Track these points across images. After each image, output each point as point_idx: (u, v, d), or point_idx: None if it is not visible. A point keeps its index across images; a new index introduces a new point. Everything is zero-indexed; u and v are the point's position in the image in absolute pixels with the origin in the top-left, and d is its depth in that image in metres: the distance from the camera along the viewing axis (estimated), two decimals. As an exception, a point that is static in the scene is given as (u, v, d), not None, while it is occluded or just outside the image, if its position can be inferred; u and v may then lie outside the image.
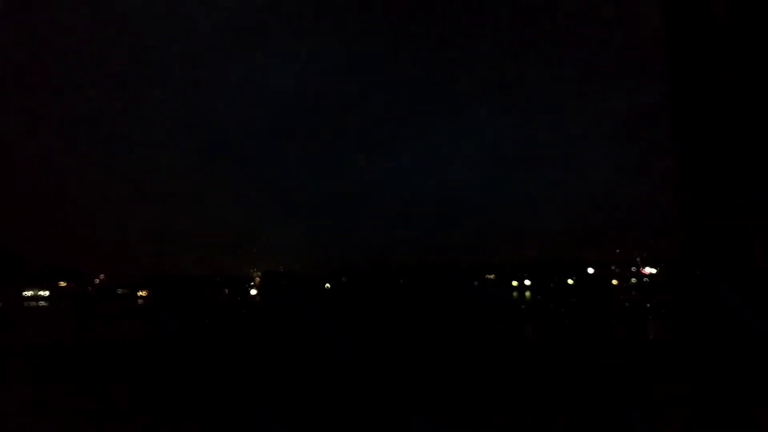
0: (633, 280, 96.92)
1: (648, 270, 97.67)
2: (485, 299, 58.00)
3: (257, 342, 20.86)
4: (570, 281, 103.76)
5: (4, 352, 18.44)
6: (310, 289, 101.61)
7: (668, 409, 7.11)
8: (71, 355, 16.64)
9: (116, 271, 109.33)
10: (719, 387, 3.65)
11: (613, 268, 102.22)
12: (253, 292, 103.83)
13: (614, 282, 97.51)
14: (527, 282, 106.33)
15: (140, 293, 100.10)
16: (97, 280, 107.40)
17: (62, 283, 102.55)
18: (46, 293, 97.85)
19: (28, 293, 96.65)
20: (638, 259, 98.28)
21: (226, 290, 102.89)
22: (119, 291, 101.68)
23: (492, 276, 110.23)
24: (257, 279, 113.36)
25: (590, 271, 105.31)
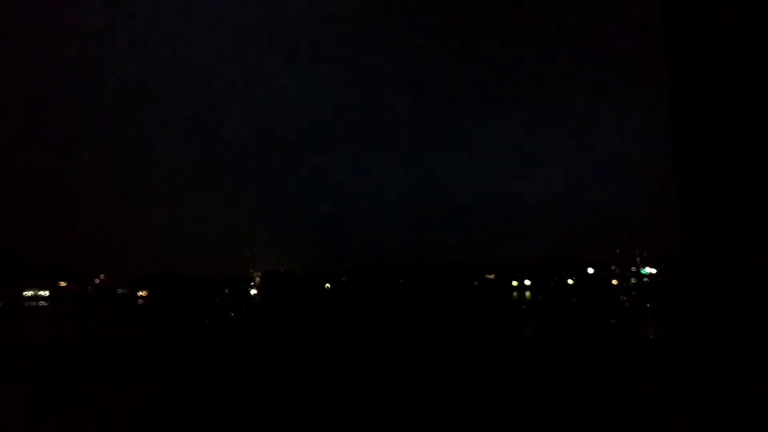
0: (633, 280, 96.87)
1: (648, 270, 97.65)
2: (485, 299, 57.96)
3: (257, 342, 20.84)
4: (570, 281, 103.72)
5: (4, 352, 18.43)
6: (310, 289, 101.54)
7: (668, 409, 7.11)
8: (71, 356, 16.62)
9: (116, 271, 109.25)
10: (719, 386, 3.64)
11: (613, 268, 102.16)
12: (253, 292, 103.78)
13: (614, 282, 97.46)
14: (527, 282, 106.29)
15: (140, 293, 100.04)
16: (97, 280, 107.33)
17: (62, 283, 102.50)
18: (46, 293, 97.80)
19: (28, 293, 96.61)
20: (638, 260, 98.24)
21: (226, 290, 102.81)
22: (119, 291, 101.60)
23: (492, 276, 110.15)
24: (257, 279, 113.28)
25: (590, 271, 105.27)
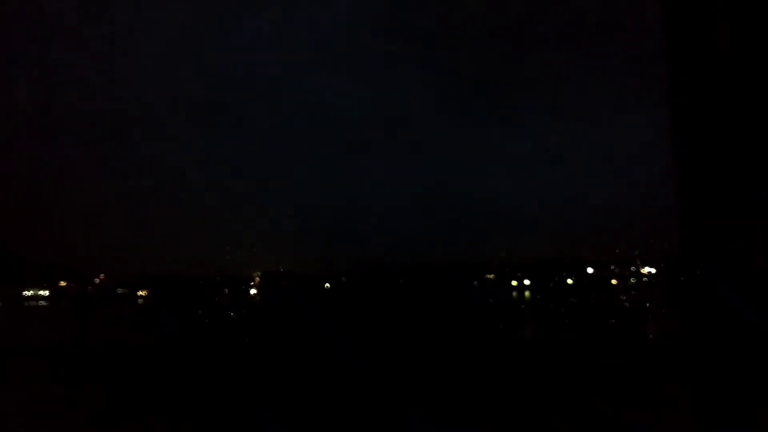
0: (633, 280, 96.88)
1: (648, 269, 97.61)
2: (485, 299, 58.03)
3: (257, 342, 20.86)
4: (570, 281, 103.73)
5: (4, 352, 18.43)
6: (309, 289, 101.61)
7: (668, 409, 7.12)
8: (71, 356, 16.64)
9: (116, 271, 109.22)
10: (719, 387, 3.64)
11: (612, 267, 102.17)
12: (253, 292, 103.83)
13: (614, 282, 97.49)
14: (527, 282, 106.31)
15: (140, 293, 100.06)
16: (97, 280, 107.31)
17: (62, 283, 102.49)
18: (46, 293, 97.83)
19: (28, 293, 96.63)
20: (638, 260, 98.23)
21: (226, 290, 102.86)
22: (119, 291, 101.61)
23: (492, 276, 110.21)
24: (257, 279, 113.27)
25: (590, 271, 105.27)
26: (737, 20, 3.71)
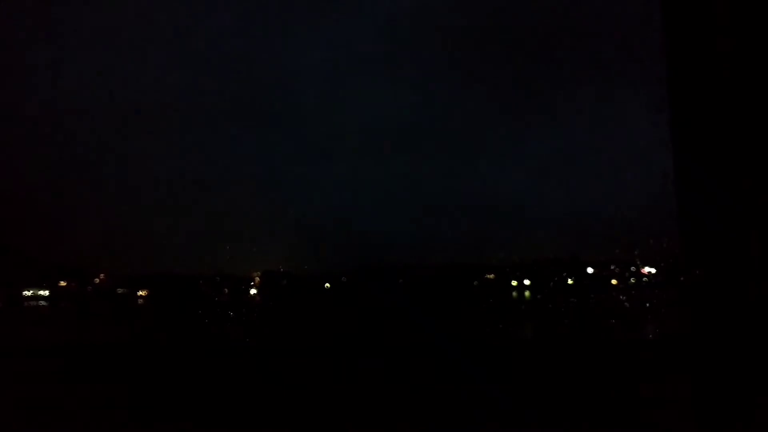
0: (632, 279, 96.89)
1: (648, 269, 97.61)
2: (485, 299, 58.05)
3: (257, 342, 20.88)
4: (570, 281, 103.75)
5: (3, 352, 18.45)
6: (309, 288, 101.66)
7: (668, 409, 7.12)
8: (71, 356, 16.65)
9: (116, 271, 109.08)
10: (719, 388, 3.65)
11: (612, 267, 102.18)
12: (253, 291, 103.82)
13: (614, 282, 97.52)
14: (527, 282, 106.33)
15: (140, 293, 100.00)
16: (97, 280, 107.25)
17: (62, 283, 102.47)
18: (46, 293, 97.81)
19: (28, 293, 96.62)
20: (638, 260, 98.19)
21: (226, 290, 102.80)
22: (119, 291, 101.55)
23: (492, 276, 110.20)
24: (257, 279, 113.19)
25: (590, 271, 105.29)
26: (737, 20, 3.72)
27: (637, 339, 18.67)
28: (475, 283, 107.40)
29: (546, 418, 7.77)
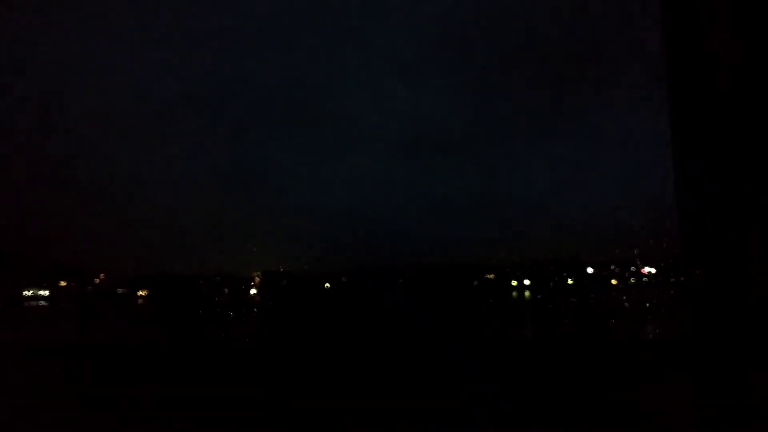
0: (632, 279, 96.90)
1: (648, 269, 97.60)
2: (485, 299, 58.09)
3: (257, 342, 20.89)
4: (570, 281, 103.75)
5: (3, 353, 18.45)
6: (309, 288, 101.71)
7: (668, 409, 7.12)
8: (71, 356, 16.65)
9: (116, 271, 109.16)
10: (719, 388, 3.64)
11: (612, 267, 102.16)
12: (253, 291, 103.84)
13: (614, 282, 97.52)
14: (527, 282, 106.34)
15: (140, 293, 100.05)
16: (97, 280, 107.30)
17: (62, 283, 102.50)
18: (46, 293, 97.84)
19: (28, 293, 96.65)
20: (638, 260, 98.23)
21: (226, 290, 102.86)
22: (119, 291, 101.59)
23: (492, 276, 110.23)
24: (257, 279, 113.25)
25: (590, 271, 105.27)
26: (737, 21, 3.72)
27: (637, 339, 18.67)
28: (475, 283, 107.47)
29: (546, 418, 7.77)
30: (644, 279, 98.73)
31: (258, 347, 18.67)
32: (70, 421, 8.52)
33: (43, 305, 76.09)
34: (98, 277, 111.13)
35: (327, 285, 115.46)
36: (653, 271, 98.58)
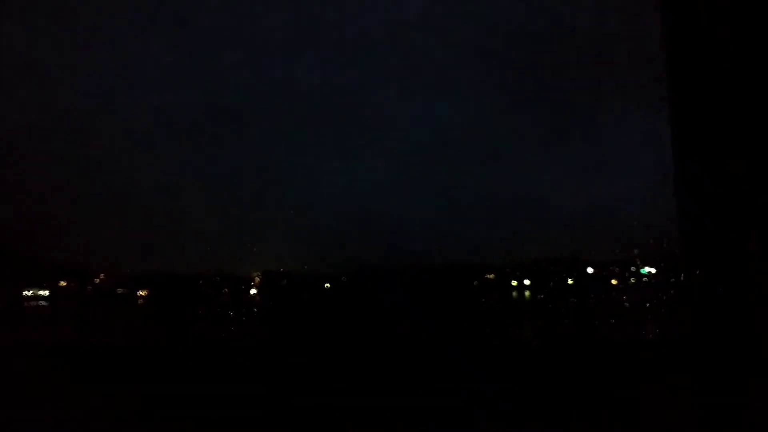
0: (632, 280, 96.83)
1: (648, 269, 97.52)
2: (485, 299, 58.07)
3: (257, 342, 20.88)
4: (570, 281, 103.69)
5: (3, 352, 18.44)
6: (309, 288, 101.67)
7: (668, 409, 7.12)
8: (71, 356, 16.64)
9: (116, 271, 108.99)
10: (719, 388, 3.65)
11: (612, 267, 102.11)
12: (253, 291, 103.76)
13: (614, 282, 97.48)
14: (527, 282, 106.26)
15: (140, 293, 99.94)
16: (97, 280, 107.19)
17: (62, 283, 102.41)
18: (46, 293, 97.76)
19: (28, 293, 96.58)
20: (638, 260, 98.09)
21: (226, 290, 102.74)
22: (119, 291, 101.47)
23: (492, 276, 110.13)
24: (257, 279, 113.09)
25: (590, 271, 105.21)
26: (737, 21, 3.72)
27: (637, 339, 18.67)
28: (475, 283, 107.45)
29: (546, 418, 7.77)
30: (644, 279, 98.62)
31: (258, 347, 18.65)
32: (70, 421, 8.51)
33: (43, 305, 76.00)
34: (98, 277, 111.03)
35: (327, 285, 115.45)
36: (653, 271, 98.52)
